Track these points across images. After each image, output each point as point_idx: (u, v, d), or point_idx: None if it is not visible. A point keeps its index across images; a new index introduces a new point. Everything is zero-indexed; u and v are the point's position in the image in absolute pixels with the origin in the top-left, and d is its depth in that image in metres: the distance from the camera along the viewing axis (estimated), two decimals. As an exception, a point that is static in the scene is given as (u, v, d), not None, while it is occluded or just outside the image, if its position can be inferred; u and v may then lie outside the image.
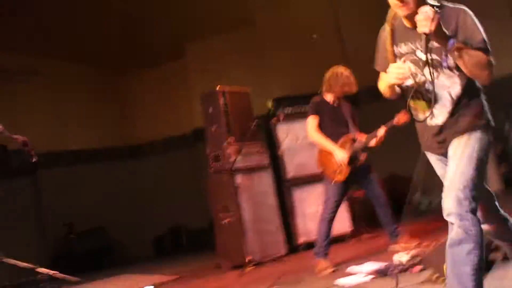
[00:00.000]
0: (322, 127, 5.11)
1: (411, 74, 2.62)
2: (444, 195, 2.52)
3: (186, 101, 9.88)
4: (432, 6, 2.42)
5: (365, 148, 5.05)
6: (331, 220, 4.99)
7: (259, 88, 7.83)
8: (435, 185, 7.75)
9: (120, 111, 10.81)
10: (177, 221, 9.89)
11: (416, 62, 2.61)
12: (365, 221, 6.71)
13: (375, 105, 7.99)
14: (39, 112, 9.65)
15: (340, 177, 4.96)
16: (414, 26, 2.47)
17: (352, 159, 4.98)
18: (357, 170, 5.01)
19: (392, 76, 2.56)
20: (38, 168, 8.59)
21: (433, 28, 2.35)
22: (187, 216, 9.58)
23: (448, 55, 2.51)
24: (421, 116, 2.71)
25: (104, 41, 9.20)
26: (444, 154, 2.67)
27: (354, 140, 5.08)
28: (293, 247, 6.69)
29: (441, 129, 2.64)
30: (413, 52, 2.62)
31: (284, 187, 6.79)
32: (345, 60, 8.28)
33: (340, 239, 6.47)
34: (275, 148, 6.88)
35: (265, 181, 6.57)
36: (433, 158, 2.82)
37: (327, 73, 5.22)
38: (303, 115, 5.90)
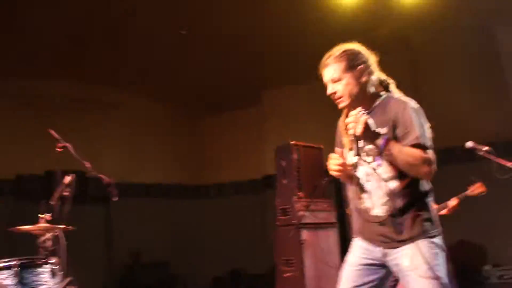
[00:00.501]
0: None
1: (352, 165, 2.67)
2: None
3: (258, 147, 10.01)
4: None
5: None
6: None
7: (332, 143, 7.82)
8: (509, 257, 7.40)
9: (193, 151, 11.10)
10: (238, 264, 9.91)
11: (357, 149, 2.61)
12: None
13: (449, 168, 7.88)
14: (116, 144, 10.13)
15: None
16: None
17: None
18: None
19: (330, 168, 2.68)
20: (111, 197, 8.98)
21: (359, 131, 2.44)
22: (249, 260, 9.58)
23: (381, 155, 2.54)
24: (356, 203, 2.76)
25: (184, 82, 9.55)
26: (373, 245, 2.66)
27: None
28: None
29: (382, 223, 2.61)
30: (362, 146, 2.63)
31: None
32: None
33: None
34: (343, 206, 6.80)
35: (331, 239, 6.49)
36: (358, 243, 2.79)
37: None
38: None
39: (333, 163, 2.65)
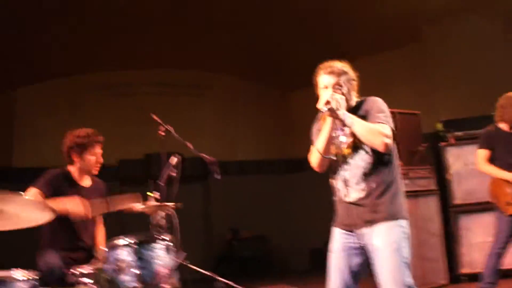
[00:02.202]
0: (495, 158, 4.84)
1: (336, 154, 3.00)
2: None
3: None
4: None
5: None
6: (500, 255, 4.72)
7: (427, 108, 7.60)
8: None
9: (285, 126, 11.17)
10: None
11: (338, 144, 2.98)
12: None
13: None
14: (211, 124, 10.43)
15: (514, 209, 4.68)
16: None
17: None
18: (534, 204, 4.68)
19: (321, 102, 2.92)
20: (209, 175, 9.28)
21: (330, 104, 2.83)
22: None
23: (345, 129, 2.92)
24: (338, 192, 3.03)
25: (271, 58, 9.61)
26: (351, 231, 2.94)
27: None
28: (455, 277, 6.40)
29: (359, 204, 2.91)
30: (338, 136, 2.98)
31: (451, 214, 6.53)
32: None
33: (510, 274, 6.04)
34: (443, 173, 6.64)
35: (431, 207, 6.38)
36: (337, 231, 3.03)
37: (500, 99, 4.95)
38: (474, 139, 5.66)
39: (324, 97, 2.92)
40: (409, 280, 2.76)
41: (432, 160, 6.71)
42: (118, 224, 5.35)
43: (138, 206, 3.72)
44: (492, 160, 4.87)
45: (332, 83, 2.99)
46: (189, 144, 3.84)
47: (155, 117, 3.92)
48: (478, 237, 6.32)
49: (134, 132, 9.46)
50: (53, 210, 3.27)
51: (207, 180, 9.86)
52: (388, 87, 9.09)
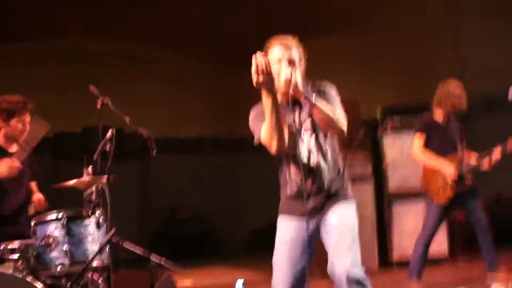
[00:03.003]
0: (429, 146, 4.98)
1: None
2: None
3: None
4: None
5: (474, 170, 4.87)
6: (428, 242, 4.88)
7: (370, 93, 7.72)
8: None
9: (229, 105, 11.10)
10: (274, 217, 10.00)
11: (295, 128, 2.88)
12: (463, 245, 6.45)
13: (487, 118, 7.68)
14: (156, 100, 10.25)
15: (443, 199, 4.83)
16: (287, 101, 2.79)
17: (458, 181, 4.82)
18: (461, 193, 4.83)
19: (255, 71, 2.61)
20: (149, 153, 9.13)
21: (293, 80, 2.68)
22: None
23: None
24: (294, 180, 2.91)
25: (220, 35, 9.50)
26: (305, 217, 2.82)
27: (462, 161, 4.91)
28: (386, 262, 6.59)
29: (317, 193, 2.86)
30: (289, 119, 2.87)
31: (385, 200, 6.69)
32: (462, 73, 7.98)
33: (436, 262, 6.27)
34: (380, 159, 6.78)
35: (366, 192, 6.52)
36: (286, 223, 2.94)
37: (439, 87, 5.07)
38: (412, 127, 5.77)
39: (260, 63, 2.58)
40: (359, 258, 2.77)
41: (369, 147, 6.83)
42: (50, 199, 5.18)
43: (70, 182, 3.60)
44: (428, 148, 4.97)
45: (286, 57, 2.81)
46: (126, 118, 3.73)
47: (93, 88, 3.78)
48: (409, 225, 6.48)
49: (73, 104, 9.16)
50: None
51: (148, 157, 9.72)
52: (334, 70, 9.18)
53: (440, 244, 6.27)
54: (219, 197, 10.21)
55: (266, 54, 2.69)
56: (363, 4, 8.30)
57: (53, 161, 8.89)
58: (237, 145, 11.02)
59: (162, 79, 10.41)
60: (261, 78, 2.58)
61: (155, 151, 3.60)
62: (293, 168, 2.90)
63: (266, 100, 2.67)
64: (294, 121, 2.87)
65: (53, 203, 4.19)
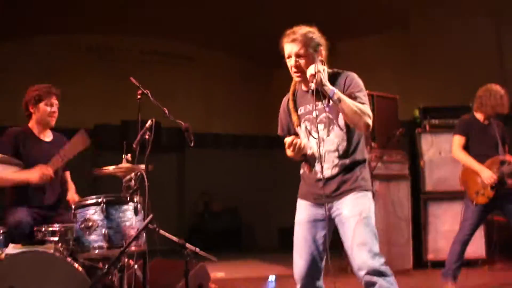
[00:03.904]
0: (469, 147, 4.90)
1: (308, 132, 2.96)
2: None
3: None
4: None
5: (514, 172, 4.78)
6: (465, 243, 4.81)
7: (407, 94, 7.65)
8: None
9: (265, 103, 11.15)
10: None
11: (312, 120, 2.94)
12: (501, 249, 6.32)
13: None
14: (191, 95, 10.37)
15: (482, 199, 4.75)
16: (311, 88, 2.80)
17: (498, 183, 4.73)
18: (502, 195, 4.74)
19: (288, 152, 2.87)
20: (185, 146, 9.24)
21: (318, 77, 2.73)
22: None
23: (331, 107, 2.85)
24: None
25: (259, 35, 9.54)
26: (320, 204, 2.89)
27: (502, 163, 4.82)
28: (421, 262, 6.51)
29: (329, 181, 2.89)
30: (310, 112, 2.95)
31: (421, 200, 6.62)
32: (503, 76, 7.83)
33: (472, 264, 6.17)
34: (417, 159, 6.72)
35: (402, 191, 6.45)
36: (303, 204, 3.01)
37: (480, 90, 5.00)
38: (450, 128, 5.72)
39: (291, 145, 2.83)
40: (377, 248, 2.75)
41: (407, 146, 6.77)
42: (91, 186, 5.30)
43: (109, 168, 3.68)
44: (466, 149, 4.92)
45: (294, 52, 2.88)
46: (165, 109, 3.79)
47: (133, 80, 3.85)
48: (445, 225, 6.43)
49: (112, 98, 9.37)
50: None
51: (183, 151, 9.84)
52: (370, 71, 9.11)
53: (477, 247, 6.19)
54: (252, 192, 10.26)
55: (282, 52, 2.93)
56: (401, 3, 8.23)
57: (92, 152, 9.07)
58: (270, 142, 11.05)
59: (198, 76, 10.53)
60: (291, 153, 2.86)
61: (193, 143, 3.62)
62: (308, 157, 2.98)
63: (289, 156, 2.92)
64: (312, 109, 2.91)
65: (92, 190, 4.29)
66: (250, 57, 10.83)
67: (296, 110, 3.02)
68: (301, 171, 3.07)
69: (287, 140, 2.82)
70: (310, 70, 2.78)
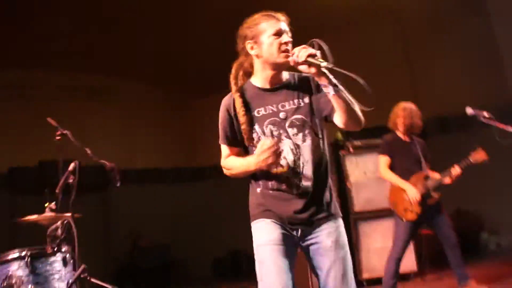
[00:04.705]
0: (394, 164, 5.06)
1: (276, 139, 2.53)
2: None
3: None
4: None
5: (438, 187, 4.95)
6: (399, 260, 4.89)
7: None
8: (505, 224, 7.42)
9: (188, 134, 11.07)
10: (238, 245, 9.91)
11: (278, 123, 2.55)
12: (431, 260, 6.51)
13: (442, 137, 7.90)
14: (110, 130, 10.07)
15: (411, 215, 4.87)
16: (274, 86, 2.57)
17: (424, 198, 4.88)
18: (429, 209, 4.90)
19: (261, 158, 2.44)
20: (109, 184, 8.93)
21: (304, 55, 2.33)
22: (249, 241, 9.56)
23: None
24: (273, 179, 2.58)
25: (177, 65, 9.47)
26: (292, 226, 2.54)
27: (426, 178, 4.98)
28: (357, 282, 6.54)
29: (304, 195, 2.53)
30: (275, 114, 2.57)
31: (351, 221, 6.71)
32: (414, 89, 8.19)
33: (406, 278, 6.31)
34: (343, 180, 6.82)
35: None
36: (270, 222, 2.56)
37: (394, 109, 5.20)
38: (372, 148, 5.85)
39: (272, 150, 2.43)
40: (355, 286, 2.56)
41: (332, 168, 6.86)
42: (9, 236, 4.97)
43: (32, 217, 3.45)
44: (391, 168, 5.06)
45: (287, 31, 2.55)
46: (87, 150, 3.62)
47: (51, 120, 3.66)
48: (377, 243, 6.52)
49: (28, 138, 8.91)
50: None
51: (107, 189, 9.50)
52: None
53: (408, 260, 6.29)
54: (182, 226, 10.06)
55: (252, 27, 2.56)
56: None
57: (9, 196, 8.58)
58: (196, 174, 10.96)
59: (117, 109, 10.27)
60: (271, 160, 2.43)
61: (119, 183, 3.48)
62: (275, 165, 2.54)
63: (253, 167, 2.50)
64: (279, 110, 2.56)
65: (10, 241, 4.01)
66: (171, 88, 10.71)
67: (249, 113, 2.58)
68: (258, 189, 2.61)
69: (266, 143, 2.41)
70: (305, 50, 2.35)
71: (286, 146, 2.53)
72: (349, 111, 2.44)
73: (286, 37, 2.54)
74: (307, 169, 2.53)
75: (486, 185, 7.52)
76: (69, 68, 9.35)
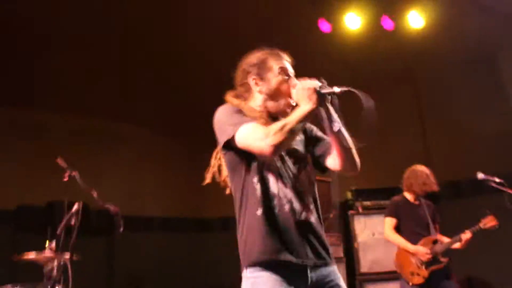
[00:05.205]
0: (401, 227, 4.98)
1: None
2: None
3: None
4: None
5: (447, 252, 4.84)
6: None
7: (340, 176, 7.76)
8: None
9: (195, 186, 11.04)
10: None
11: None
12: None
13: (455, 201, 7.80)
14: (121, 176, 10.08)
15: (418, 279, 4.76)
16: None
17: (432, 262, 4.77)
18: (436, 274, 4.78)
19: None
20: (115, 229, 8.87)
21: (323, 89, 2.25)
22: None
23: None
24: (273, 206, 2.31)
25: (186, 116, 9.56)
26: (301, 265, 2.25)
27: (435, 242, 4.89)
28: None
29: (308, 228, 2.32)
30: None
31: (357, 282, 6.56)
32: (427, 153, 8.15)
33: None
34: (351, 241, 6.72)
35: (337, 273, 6.37)
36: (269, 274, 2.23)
37: (406, 172, 5.16)
38: (382, 209, 5.79)
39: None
40: None
41: (340, 228, 6.78)
42: (9, 272, 4.93)
43: (30, 255, 3.42)
44: (398, 230, 4.98)
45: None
46: (93, 192, 3.62)
47: (60, 161, 3.68)
48: (382, 306, 6.36)
49: (37, 178, 8.96)
50: None
51: (112, 234, 9.44)
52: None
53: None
54: (185, 276, 9.90)
55: (258, 63, 2.49)
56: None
57: (13, 233, 8.55)
58: (200, 225, 10.89)
59: (127, 156, 10.31)
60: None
61: (122, 228, 3.46)
62: (275, 185, 2.33)
63: (308, 107, 2.22)
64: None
65: (12, 276, 3.98)
66: (181, 137, 10.77)
67: None
68: (259, 212, 2.30)
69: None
70: (310, 83, 2.26)
71: (286, 172, 2.42)
72: (347, 152, 2.38)
73: (290, 70, 2.51)
74: (306, 202, 2.43)
75: (499, 252, 7.34)
76: (81, 111, 9.47)
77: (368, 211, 6.82)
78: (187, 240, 10.49)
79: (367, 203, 6.90)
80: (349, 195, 7.06)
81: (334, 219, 6.27)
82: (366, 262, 6.62)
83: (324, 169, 2.54)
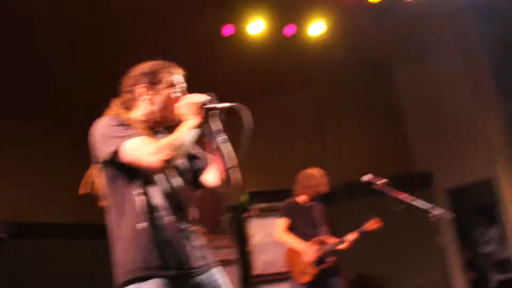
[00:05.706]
0: (292, 228, 5.11)
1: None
2: None
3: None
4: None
5: (334, 251, 5.02)
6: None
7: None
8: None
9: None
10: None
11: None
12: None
13: (350, 203, 8.09)
14: (6, 180, 9.51)
15: (306, 278, 4.89)
16: (154, 130, 2.43)
17: (320, 261, 4.92)
18: (324, 272, 4.93)
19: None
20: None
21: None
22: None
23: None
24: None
25: (79, 113, 9.16)
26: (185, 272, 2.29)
27: (323, 242, 5.05)
28: None
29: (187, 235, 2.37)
30: None
31: (250, 284, 6.63)
32: (323, 156, 8.40)
33: None
34: (245, 243, 6.78)
35: (232, 276, 6.39)
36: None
37: (300, 174, 5.30)
38: (276, 211, 5.89)
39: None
40: None
41: (235, 231, 6.82)
42: None
43: None
44: (291, 230, 5.09)
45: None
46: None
47: None
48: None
49: None
50: None
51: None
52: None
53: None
54: (87, 285, 9.53)
55: (150, 72, 2.43)
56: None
57: None
58: (103, 231, 10.51)
59: (15, 157, 9.73)
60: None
61: (4, 234, 3.27)
62: (156, 197, 2.31)
63: (193, 122, 2.26)
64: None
65: None
66: (78, 136, 10.27)
67: None
68: (139, 225, 2.25)
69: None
70: (196, 98, 2.28)
71: (166, 183, 2.41)
72: (224, 169, 2.39)
73: (181, 93, 2.46)
74: (184, 203, 2.46)
75: (387, 250, 7.66)
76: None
77: (263, 213, 6.91)
78: (88, 246, 10.09)
79: (262, 205, 6.99)
80: (244, 197, 7.11)
81: (228, 222, 6.30)
82: (260, 264, 6.71)
83: (199, 185, 2.58)
